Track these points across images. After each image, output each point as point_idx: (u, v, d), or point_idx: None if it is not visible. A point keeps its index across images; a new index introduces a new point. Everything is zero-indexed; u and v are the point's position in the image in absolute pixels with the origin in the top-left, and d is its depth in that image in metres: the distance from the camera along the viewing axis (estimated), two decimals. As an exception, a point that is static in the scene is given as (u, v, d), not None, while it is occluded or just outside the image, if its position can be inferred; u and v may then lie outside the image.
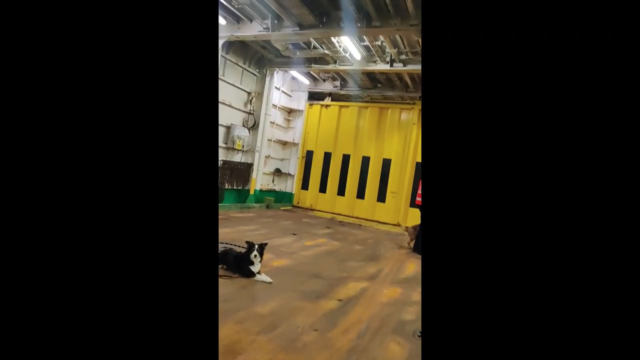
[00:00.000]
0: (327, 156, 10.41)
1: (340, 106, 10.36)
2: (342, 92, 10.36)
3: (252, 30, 7.17)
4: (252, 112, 9.25)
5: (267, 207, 9.48)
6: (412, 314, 2.97)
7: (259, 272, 3.21)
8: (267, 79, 9.38)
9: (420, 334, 2.52)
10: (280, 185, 10.83)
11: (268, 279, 3.18)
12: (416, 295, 3.49)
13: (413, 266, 4.88)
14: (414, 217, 6.28)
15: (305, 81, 10.34)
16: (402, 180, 9.37)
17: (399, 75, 8.78)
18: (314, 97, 10.81)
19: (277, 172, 10.70)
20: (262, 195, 9.79)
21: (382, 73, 8.74)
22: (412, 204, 8.29)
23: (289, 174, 10.81)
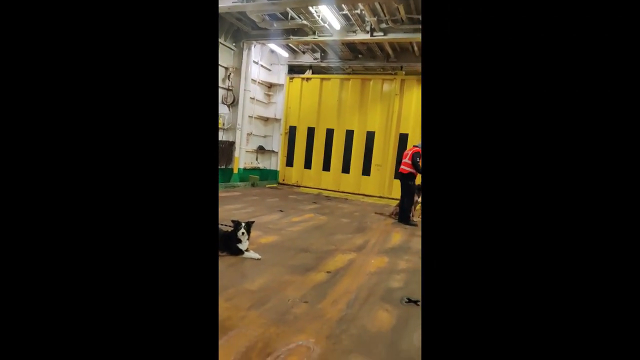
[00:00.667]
0: (311, 131, 10.30)
1: (322, 79, 10.14)
2: (323, 65, 10.12)
3: (226, 2, 6.82)
4: (230, 88, 8.97)
5: (253, 185, 9.41)
6: (399, 281, 3.05)
7: (247, 250, 3.21)
8: (245, 52, 9.05)
9: (407, 300, 2.60)
10: (264, 163, 10.72)
11: (257, 256, 3.19)
12: (403, 264, 3.58)
13: (399, 236, 4.98)
14: (399, 189, 6.36)
15: (285, 54, 10.03)
16: (387, 152, 9.40)
17: (379, 45, 8.60)
18: (294, 70, 10.53)
19: (261, 149, 10.55)
20: (247, 174, 9.69)
21: (363, 43, 8.54)
22: (396, 175, 8.37)
23: (273, 151, 10.69)
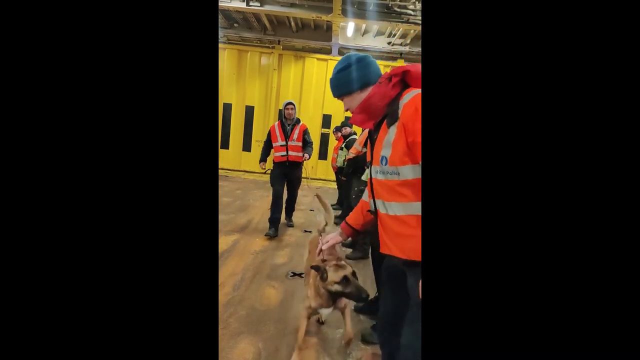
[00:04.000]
0: (184, 104, 9.41)
1: (194, 46, 9.26)
2: (195, 30, 9.21)
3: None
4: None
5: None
6: (284, 257, 3.17)
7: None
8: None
9: (292, 274, 2.74)
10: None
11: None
12: (287, 239, 3.73)
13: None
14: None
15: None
16: (267, 127, 9.35)
17: (256, 15, 8.29)
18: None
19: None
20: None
21: (238, 12, 8.08)
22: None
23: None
